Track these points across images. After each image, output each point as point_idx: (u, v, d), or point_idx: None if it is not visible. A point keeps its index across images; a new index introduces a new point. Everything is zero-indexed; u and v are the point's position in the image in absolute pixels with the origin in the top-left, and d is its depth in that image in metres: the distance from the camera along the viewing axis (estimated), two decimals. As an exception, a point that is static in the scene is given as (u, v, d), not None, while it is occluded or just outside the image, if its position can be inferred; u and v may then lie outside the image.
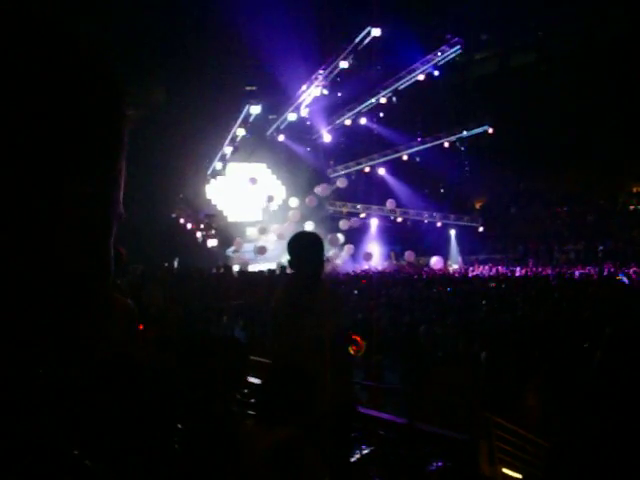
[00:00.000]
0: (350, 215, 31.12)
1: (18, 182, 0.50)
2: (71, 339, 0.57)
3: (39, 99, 0.51)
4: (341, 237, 27.35)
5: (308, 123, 30.27)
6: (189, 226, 29.05)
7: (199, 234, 28.77)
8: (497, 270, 25.00)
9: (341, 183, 28.58)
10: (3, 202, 0.50)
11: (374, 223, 32.29)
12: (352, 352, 4.70)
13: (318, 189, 28.44)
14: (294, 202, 28.40)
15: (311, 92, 26.95)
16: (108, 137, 0.58)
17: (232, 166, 31.02)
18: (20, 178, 0.50)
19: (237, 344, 3.44)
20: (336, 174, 32.57)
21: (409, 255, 28.31)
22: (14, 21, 0.52)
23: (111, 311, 3.19)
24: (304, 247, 3.68)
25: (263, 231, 27.75)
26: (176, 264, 24.04)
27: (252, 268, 24.36)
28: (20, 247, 0.51)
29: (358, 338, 6.20)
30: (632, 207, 28.60)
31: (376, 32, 23.97)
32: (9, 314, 0.51)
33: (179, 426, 2.75)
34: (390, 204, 30.40)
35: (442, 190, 35.58)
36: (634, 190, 29.29)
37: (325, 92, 27.17)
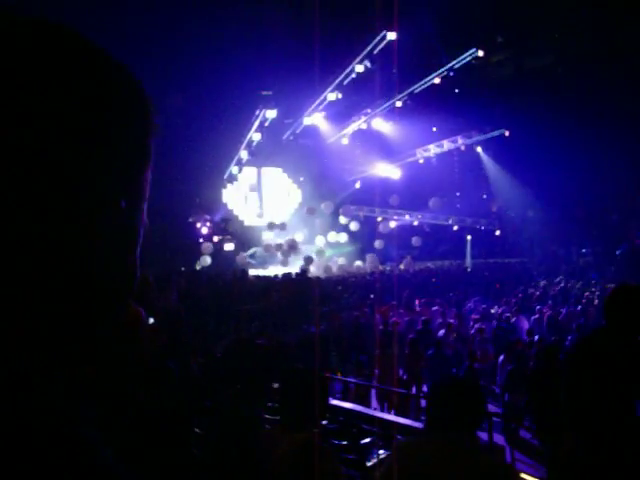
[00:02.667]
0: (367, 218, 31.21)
1: (54, 197, 0.52)
2: (102, 343, 0.58)
3: (71, 117, 0.53)
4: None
5: (324, 127, 30.27)
6: (205, 230, 29.16)
7: (215, 238, 28.85)
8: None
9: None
10: (38, 215, 0.51)
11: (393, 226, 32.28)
12: None
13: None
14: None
15: (327, 96, 26.96)
16: (138, 151, 0.60)
17: (248, 170, 31.15)
18: (56, 193, 0.52)
19: (278, 350, 3.43)
20: (353, 178, 32.57)
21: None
22: (42, 42, 0.54)
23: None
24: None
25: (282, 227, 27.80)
26: (199, 267, 24.10)
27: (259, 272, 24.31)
28: (55, 257, 0.53)
29: None
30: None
31: (391, 36, 23.92)
32: (40, 318, 0.53)
33: (197, 430, 2.77)
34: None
35: (458, 193, 35.43)
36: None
37: (340, 96, 27.15)
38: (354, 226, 29.03)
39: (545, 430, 6.89)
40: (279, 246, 25.72)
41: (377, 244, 28.54)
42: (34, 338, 0.53)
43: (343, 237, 29.30)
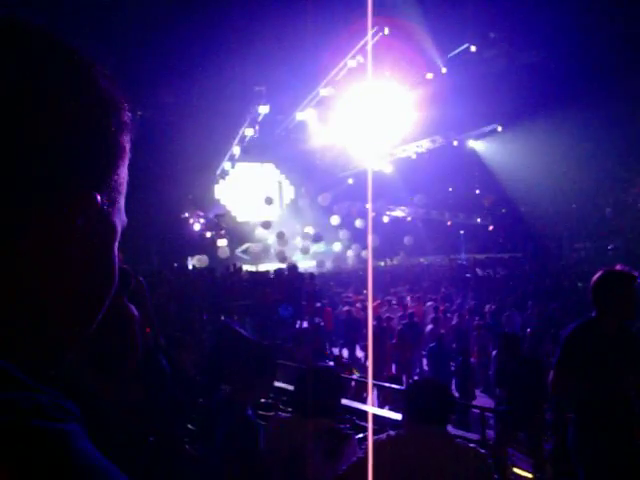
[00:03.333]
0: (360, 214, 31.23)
1: (28, 195, 0.51)
2: (84, 342, 0.58)
3: (35, 117, 0.52)
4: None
5: (317, 122, 30.23)
6: (198, 227, 29.11)
7: (209, 234, 28.81)
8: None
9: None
10: (15, 213, 0.51)
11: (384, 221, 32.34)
12: None
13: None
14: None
15: (319, 91, 26.94)
16: (109, 146, 0.59)
17: (241, 166, 31.10)
18: (30, 191, 0.52)
19: (268, 349, 3.48)
20: (345, 173, 32.56)
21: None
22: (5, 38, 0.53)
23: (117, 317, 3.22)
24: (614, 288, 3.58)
25: (268, 226, 27.79)
26: (191, 264, 24.05)
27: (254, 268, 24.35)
28: (31, 256, 0.52)
29: None
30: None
31: (385, 31, 23.96)
32: (23, 320, 0.52)
33: (190, 427, 2.77)
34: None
35: (451, 189, 35.50)
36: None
37: (333, 91, 27.14)
38: (359, 223, 29.02)
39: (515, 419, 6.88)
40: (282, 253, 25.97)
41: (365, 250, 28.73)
42: (15, 339, 0.53)
43: (337, 246, 29.44)
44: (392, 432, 2.88)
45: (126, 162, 0.62)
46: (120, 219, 0.61)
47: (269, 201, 28.22)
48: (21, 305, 0.52)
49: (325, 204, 28.46)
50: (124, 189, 0.62)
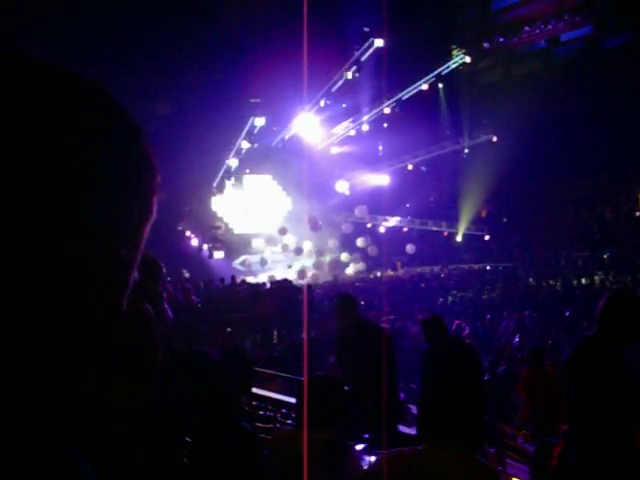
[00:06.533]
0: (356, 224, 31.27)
1: (59, 248, 0.51)
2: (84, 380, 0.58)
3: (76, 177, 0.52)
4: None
5: (313, 134, 30.30)
6: (195, 239, 29.06)
7: (205, 246, 28.76)
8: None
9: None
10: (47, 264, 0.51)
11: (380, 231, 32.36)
12: None
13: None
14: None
15: (315, 103, 27.02)
16: (140, 209, 0.62)
17: (237, 178, 31.09)
18: (60, 246, 0.52)
19: (242, 356, 3.49)
20: (342, 184, 32.61)
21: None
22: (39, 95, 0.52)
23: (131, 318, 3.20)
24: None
25: (283, 232, 28.09)
26: (186, 275, 24.00)
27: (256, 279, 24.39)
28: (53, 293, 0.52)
29: None
30: (638, 213, 28.42)
31: (379, 43, 24.05)
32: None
33: (187, 439, 2.75)
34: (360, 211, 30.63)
35: (447, 199, 35.48)
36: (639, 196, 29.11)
37: (329, 103, 27.22)
38: (360, 242, 29.18)
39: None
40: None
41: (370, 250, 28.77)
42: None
43: (345, 257, 29.57)
44: (406, 448, 2.85)
45: (150, 222, 0.64)
46: (133, 274, 0.61)
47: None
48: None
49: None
50: (142, 246, 0.63)
